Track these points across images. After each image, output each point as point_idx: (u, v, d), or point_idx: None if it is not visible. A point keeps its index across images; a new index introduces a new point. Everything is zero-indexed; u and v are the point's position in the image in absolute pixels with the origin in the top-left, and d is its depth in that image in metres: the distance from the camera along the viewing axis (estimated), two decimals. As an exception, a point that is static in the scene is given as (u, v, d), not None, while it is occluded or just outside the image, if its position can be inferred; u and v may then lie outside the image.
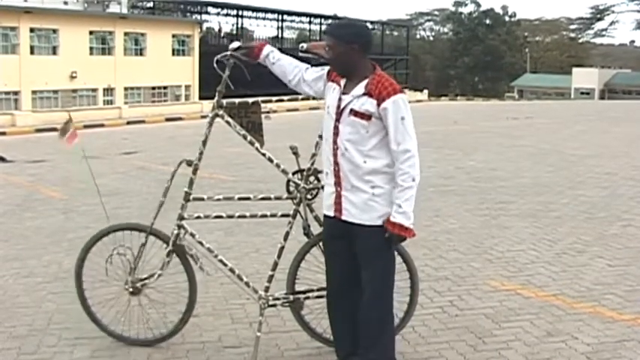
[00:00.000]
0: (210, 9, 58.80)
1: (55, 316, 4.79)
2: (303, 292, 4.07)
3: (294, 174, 4.00)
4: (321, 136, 3.92)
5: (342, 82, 3.56)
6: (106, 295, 4.34)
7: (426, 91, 61.35)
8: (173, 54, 47.88)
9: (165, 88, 46.93)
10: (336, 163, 3.53)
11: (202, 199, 4.11)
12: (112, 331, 4.29)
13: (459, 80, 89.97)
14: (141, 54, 46.26)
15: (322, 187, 4.00)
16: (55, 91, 40.81)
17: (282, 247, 3.99)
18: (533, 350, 4.13)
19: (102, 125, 29.39)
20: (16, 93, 38.77)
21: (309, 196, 3.99)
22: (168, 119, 32.61)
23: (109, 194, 9.68)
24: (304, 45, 3.98)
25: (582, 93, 72.66)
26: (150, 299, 4.31)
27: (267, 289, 4.04)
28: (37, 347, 4.26)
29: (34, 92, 39.46)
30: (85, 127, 28.59)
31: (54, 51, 40.98)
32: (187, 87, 47.89)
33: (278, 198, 4.07)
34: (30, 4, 39.95)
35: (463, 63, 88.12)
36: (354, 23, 3.76)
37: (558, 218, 7.56)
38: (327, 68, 3.71)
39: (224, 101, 4.02)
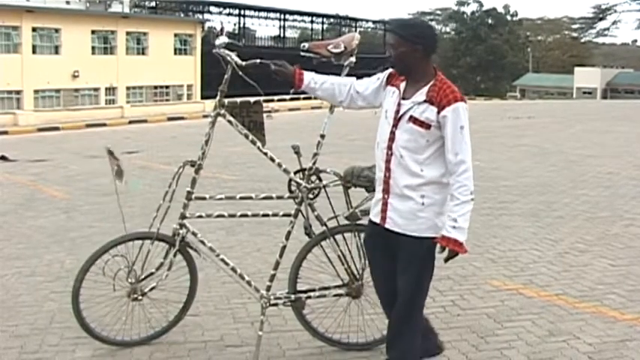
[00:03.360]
0: (212, 8, 58.76)
1: (56, 316, 4.79)
2: (305, 292, 4.07)
3: (295, 173, 4.00)
4: (322, 136, 3.92)
5: (402, 86, 3.45)
6: (110, 304, 4.28)
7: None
8: (175, 53, 47.87)
9: (167, 87, 46.93)
10: (387, 169, 3.42)
11: (204, 199, 4.11)
12: (115, 340, 4.25)
13: (461, 80, 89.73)
14: (143, 53, 46.26)
15: (324, 187, 4.00)
16: (57, 91, 40.80)
17: (284, 247, 3.99)
18: (535, 350, 4.13)
19: (104, 125, 29.38)
20: (18, 92, 38.78)
21: (310, 196, 3.98)
22: (170, 119, 32.61)
23: (110, 194, 9.68)
24: (306, 44, 3.96)
25: (584, 92, 72.55)
26: (151, 299, 4.31)
27: (268, 289, 4.03)
28: (39, 346, 4.27)
29: (36, 92, 39.46)
30: (87, 126, 28.67)
31: (56, 50, 40.98)
32: (189, 86, 47.88)
33: (280, 197, 4.07)
34: (32, 4, 39.95)
35: (465, 62, 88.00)
36: (420, 23, 3.67)
37: (560, 218, 7.56)
38: (383, 75, 3.61)
39: (226, 101, 4.01)
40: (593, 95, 70.71)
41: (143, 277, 4.11)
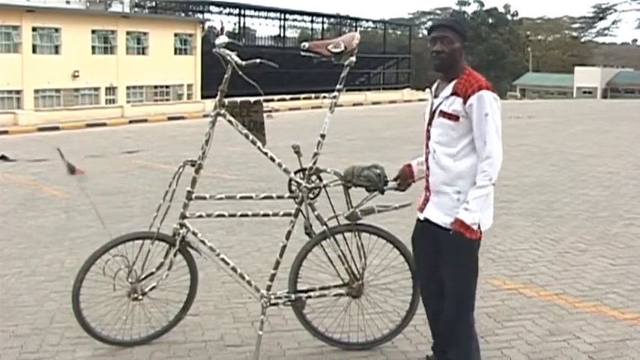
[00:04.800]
0: (212, 8, 58.75)
1: (57, 315, 4.79)
2: (305, 291, 4.07)
3: (296, 173, 4.00)
4: (323, 135, 3.92)
5: (434, 86, 3.58)
6: (110, 303, 4.28)
7: (428, 91, 61.17)
8: (175, 53, 47.85)
9: (167, 87, 46.92)
10: (427, 168, 3.55)
11: (205, 198, 4.11)
12: (115, 339, 4.25)
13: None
14: (143, 53, 46.26)
15: (324, 187, 4.00)
16: (58, 90, 40.80)
17: (285, 246, 3.99)
18: (536, 349, 4.13)
19: (104, 124, 29.36)
20: (18, 92, 38.78)
21: (311, 196, 3.98)
22: (170, 118, 32.58)
23: (111, 193, 9.69)
24: (306, 44, 3.96)
25: (585, 92, 72.54)
26: (151, 299, 4.31)
27: (269, 288, 4.04)
28: (40, 346, 4.27)
29: (36, 91, 39.46)
30: (87, 125, 28.64)
31: (56, 50, 40.98)
32: (189, 86, 47.88)
33: (280, 197, 4.07)
34: (32, 3, 39.97)
35: (466, 62, 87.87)
36: (463, 19, 3.75)
37: (560, 217, 7.56)
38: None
39: (226, 100, 4.01)
40: (594, 95, 70.71)
41: (143, 276, 4.11)
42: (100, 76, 42.26)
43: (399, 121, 24.29)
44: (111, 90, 43.77)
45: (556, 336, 4.32)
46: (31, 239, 7.17)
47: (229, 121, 4.02)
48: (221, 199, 4.19)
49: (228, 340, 4.33)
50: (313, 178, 3.98)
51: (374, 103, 42.92)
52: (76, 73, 41.09)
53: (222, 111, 4.00)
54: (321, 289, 4.08)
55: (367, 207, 3.96)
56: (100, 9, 46.76)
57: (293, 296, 4.05)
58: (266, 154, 4.03)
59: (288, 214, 4.01)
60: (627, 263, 5.86)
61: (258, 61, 3.84)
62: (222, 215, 4.18)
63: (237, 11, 59.55)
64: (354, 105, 39.76)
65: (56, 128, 27.54)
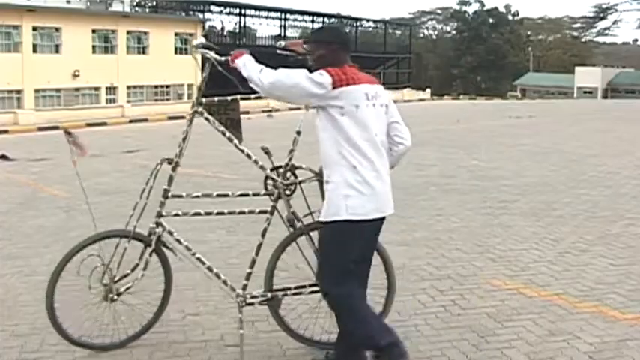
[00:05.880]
0: (212, 7, 58.78)
1: (57, 315, 4.78)
2: (282, 290, 4.04)
3: (272, 171, 4.00)
4: (298, 133, 3.96)
5: None
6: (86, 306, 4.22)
7: (428, 90, 61.22)
8: (176, 52, 47.85)
9: (167, 86, 46.93)
10: None
11: (181, 197, 4.10)
12: (92, 344, 4.14)
13: (461, 79, 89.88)
14: (143, 52, 46.27)
15: (299, 183, 4.00)
16: (58, 90, 40.82)
17: (260, 244, 3.98)
18: (536, 349, 4.12)
19: (104, 124, 29.40)
20: (18, 91, 38.80)
21: (287, 192, 3.97)
22: (170, 118, 32.61)
23: (111, 193, 9.69)
24: (282, 43, 4.00)
25: (585, 92, 72.57)
26: (127, 300, 4.24)
27: (244, 287, 4.01)
28: (40, 345, 4.27)
29: (36, 91, 39.49)
30: (88, 125, 28.66)
31: (57, 50, 41.02)
32: (190, 86, 47.86)
33: (256, 194, 4.06)
34: (33, 3, 39.97)
35: (466, 62, 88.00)
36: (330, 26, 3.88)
37: (561, 217, 7.56)
38: None
39: (203, 99, 4.04)
40: (594, 95, 70.73)
41: (119, 277, 4.06)
42: (101, 76, 42.27)
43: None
44: (111, 89, 43.78)
45: (556, 336, 4.32)
46: (31, 239, 7.17)
47: (206, 119, 4.05)
48: (197, 197, 4.16)
49: (228, 339, 4.32)
50: (288, 175, 3.98)
51: (374, 103, 42.85)
52: (77, 73, 41.11)
53: (200, 109, 4.04)
54: (297, 287, 4.05)
55: None
56: (101, 8, 46.77)
57: (269, 295, 4.01)
58: (242, 151, 4.03)
59: (264, 212, 4.00)
60: (627, 263, 5.86)
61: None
62: (199, 214, 4.13)
63: (237, 11, 59.61)
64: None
65: (56, 128, 27.50)
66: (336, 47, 3.61)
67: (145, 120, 31.88)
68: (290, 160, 3.99)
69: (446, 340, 4.28)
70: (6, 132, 26.11)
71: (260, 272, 4.05)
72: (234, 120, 4.13)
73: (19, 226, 7.81)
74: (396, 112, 3.75)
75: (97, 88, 43.05)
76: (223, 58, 3.90)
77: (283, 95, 3.57)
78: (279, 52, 4.00)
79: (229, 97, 4.09)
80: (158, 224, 4.03)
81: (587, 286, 5.26)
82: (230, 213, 4.20)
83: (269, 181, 4.02)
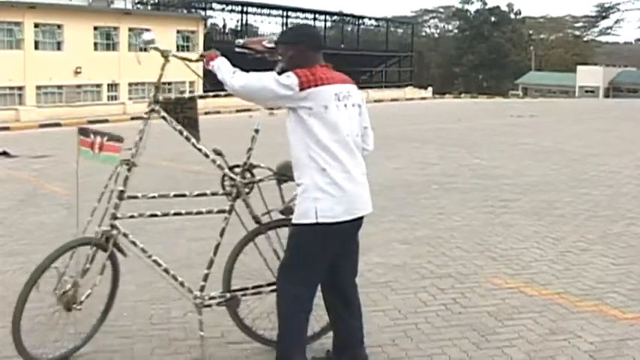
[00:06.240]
0: (214, 5, 58.80)
1: (58, 312, 4.78)
2: (240, 290, 4.00)
3: (230, 169, 3.96)
4: (257, 131, 3.93)
5: None
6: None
7: (430, 89, 61.22)
8: (178, 50, 47.48)
9: (169, 84, 46.77)
10: None
11: (137, 197, 3.99)
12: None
13: (463, 78, 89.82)
14: (145, 50, 46.09)
15: (259, 181, 3.97)
16: (60, 87, 40.83)
17: (219, 244, 3.91)
18: (536, 348, 4.12)
19: (106, 121, 29.39)
20: (20, 88, 38.80)
21: (246, 190, 3.94)
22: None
23: (109, 191, 9.67)
24: (240, 40, 3.95)
25: (587, 91, 72.48)
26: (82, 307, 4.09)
27: (202, 289, 3.95)
28: (42, 342, 4.26)
29: (38, 88, 39.49)
30: (89, 122, 28.64)
31: (58, 46, 41.01)
32: (192, 83, 47.81)
33: (214, 194, 4.01)
34: (35, 0, 39.98)
35: (468, 61, 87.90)
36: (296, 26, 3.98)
37: (562, 216, 7.55)
38: None
39: (160, 96, 4.00)
40: (596, 94, 70.67)
41: (69, 286, 3.91)
42: (102, 73, 42.23)
43: (401, 119, 24.29)
44: (113, 87, 43.76)
45: (557, 335, 4.32)
46: (32, 235, 7.17)
47: (163, 118, 3.99)
48: (154, 197, 4.05)
49: (228, 337, 4.32)
50: (246, 174, 3.95)
51: (376, 101, 42.92)
52: (78, 70, 41.10)
53: (157, 107, 4.00)
54: (255, 287, 4.02)
55: None
56: (103, 5, 46.70)
57: (228, 295, 3.97)
58: (200, 150, 4.00)
59: (222, 211, 3.95)
60: (628, 263, 5.85)
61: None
62: (156, 215, 4.07)
63: (239, 8, 59.60)
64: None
65: (58, 125, 27.59)
66: (303, 47, 3.58)
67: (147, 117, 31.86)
68: (248, 158, 3.94)
69: (446, 338, 4.28)
70: (7, 129, 26.12)
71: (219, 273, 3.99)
72: (192, 119, 4.08)
73: (19, 223, 7.81)
74: (367, 115, 3.74)
75: (98, 85, 43.03)
76: (194, 58, 3.92)
77: (253, 97, 3.58)
78: (237, 49, 3.95)
79: (187, 96, 4.06)
80: (113, 226, 3.89)
81: (588, 286, 5.26)
82: (187, 213, 4.09)
83: (226, 181, 3.97)
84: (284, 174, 3.90)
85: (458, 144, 14.59)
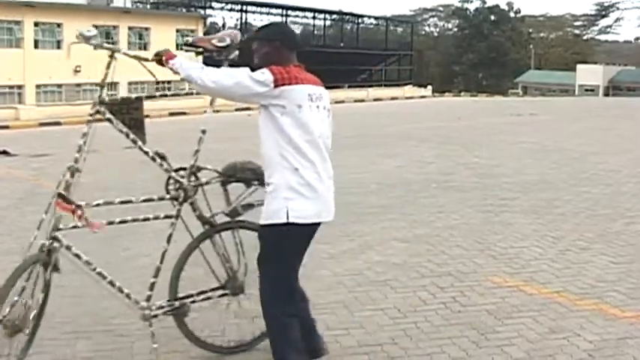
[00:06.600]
0: (214, 4, 58.75)
1: (57, 311, 4.78)
2: (186, 297, 3.93)
3: (176, 172, 3.90)
4: (204, 131, 3.88)
5: None
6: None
7: (430, 87, 61.18)
8: (177, 49, 47.21)
9: (169, 82, 46.57)
10: None
11: (80, 206, 3.74)
12: None
13: (463, 76, 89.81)
14: (145, 48, 46.13)
15: (204, 184, 3.93)
16: (59, 86, 40.80)
17: (165, 251, 3.81)
18: (536, 347, 4.12)
19: (105, 119, 29.35)
20: (19, 87, 38.78)
21: (191, 193, 3.88)
22: (172, 114, 32.58)
23: (107, 189, 9.67)
24: (189, 39, 3.91)
25: (586, 90, 72.43)
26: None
27: (149, 298, 3.82)
28: (40, 341, 4.24)
29: (37, 86, 39.46)
30: (89, 121, 28.64)
31: (58, 45, 40.96)
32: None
33: (161, 199, 3.92)
34: (34, -2, 39.99)
35: (467, 59, 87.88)
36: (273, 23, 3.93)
37: (561, 215, 7.55)
38: None
39: (106, 97, 3.89)
40: (596, 92, 70.61)
41: (9, 309, 3.57)
42: (102, 72, 41.99)
43: (401, 118, 24.29)
44: (112, 85, 43.60)
45: (556, 334, 4.31)
46: (31, 234, 7.14)
47: (108, 120, 3.85)
48: (98, 205, 3.85)
49: (229, 335, 4.31)
50: (192, 178, 3.89)
51: (376, 100, 42.92)
52: (78, 69, 41.02)
53: (102, 108, 3.84)
54: (200, 293, 3.96)
55: (247, 202, 3.89)
56: (102, 4, 46.69)
57: (176, 303, 3.89)
58: (147, 152, 3.90)
59: (169, 217, 3.84)
60: (628, 261, 5.85)
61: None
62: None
63: (239, 7, 59.54)
64: (355, 101, 39.78)
65: (58, 123, 27.53)
66: (279, 45, 3.54)
67: (147, 116, 31.66)
68: (195, 160, 3.87)
69: (446, 337, 4.28)
70: (7, 127, 26.10)
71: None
72: (138, 120, 3.97)
73: (19, 221, 7.80)
74: (331, 121, 3.69)
75: (98, 84, 42.99)
76: (150, 57, 3.86)
77: (225, 94, 3.49)
78: (186, 48, 3.91)
79: (133, 96, 3.98)
80: (55, 238, 3.63)
81: (588, 284, 5.26)
82: (134, 220, 3.93)
83: (171, 185, 3.88)
84: (231, 175, 3.87)
85: (457, 142, 14.58)
